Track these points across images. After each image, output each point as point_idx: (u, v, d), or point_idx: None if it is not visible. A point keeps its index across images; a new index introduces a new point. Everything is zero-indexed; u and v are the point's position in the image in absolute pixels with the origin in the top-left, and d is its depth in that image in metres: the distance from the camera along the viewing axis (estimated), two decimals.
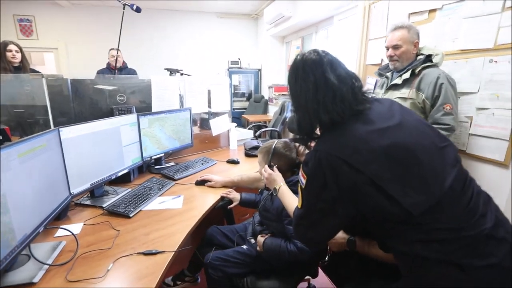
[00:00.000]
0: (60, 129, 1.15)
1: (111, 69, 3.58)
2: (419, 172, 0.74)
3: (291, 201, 1.14)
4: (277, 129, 3.87)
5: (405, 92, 1.72)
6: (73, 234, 1.08)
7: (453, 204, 0.74)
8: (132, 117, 1.63)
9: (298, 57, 0.89)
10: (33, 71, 2.82)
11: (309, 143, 0.91)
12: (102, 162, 1.41)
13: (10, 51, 2.60)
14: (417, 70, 1.70)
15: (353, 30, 3.01)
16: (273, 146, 1.33)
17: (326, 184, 0.77)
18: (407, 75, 1.72)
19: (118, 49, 2.97)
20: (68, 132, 1.19)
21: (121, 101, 1.95)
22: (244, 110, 5.71)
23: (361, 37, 2.68)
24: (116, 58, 2.82)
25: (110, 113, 1.85)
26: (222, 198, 1.56)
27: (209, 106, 2.44)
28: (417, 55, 1.75)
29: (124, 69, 3.67)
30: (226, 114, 2.56)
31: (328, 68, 0.83)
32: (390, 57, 1.80)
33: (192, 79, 2.27)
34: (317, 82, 0.82)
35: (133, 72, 3.68)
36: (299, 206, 0.87)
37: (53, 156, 1.09)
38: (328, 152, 0.77)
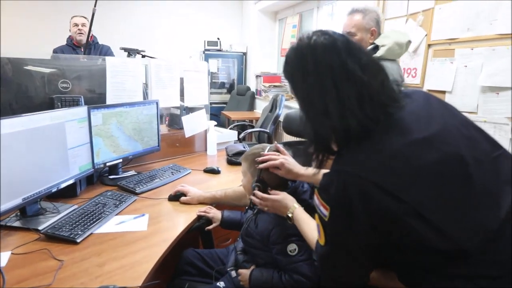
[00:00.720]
0: None
1: (74, 46, 3.30)
2: (469, 193, 0.74)
3: (313, 229, 1.09)
4: (267, 130, 3.89)
5: None
6: None
7: (510, 231, 0.74)
8: (81, 110, 1.59)
9: (303, 41, 0.85)
10: None
11: (325, 160, 0.90)
12: (39, 169, 1.35)
13: None
14: None
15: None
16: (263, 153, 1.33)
17: (355, 215, 0.75)
18: None
19: (84, 17, 2.89)
20: None
21: (64, 89, 1.89)
22: (224, 105, 5.71)
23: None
24: (83, 30, 2.76)
25: (49, 105, 1.79)
26: (199, 217, 1.54)
27: (182, 99, 2.42)
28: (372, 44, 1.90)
29: (93, 46, 3.38)
30: (203, 110, 2.54)
31: (348, 55, 0.80)
32: None
33: (160, 63, 2.24)
34: (336, 77, 0.79)
35: (106, 50, 3.43)
36: (322, 243, 0.85)
37: None
38: (356, 174, 0.75)
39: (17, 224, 1.35)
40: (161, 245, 1.27)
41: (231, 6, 5.96)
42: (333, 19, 3.94)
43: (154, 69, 2.19)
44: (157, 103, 2.08)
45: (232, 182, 1.97)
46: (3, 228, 1.33)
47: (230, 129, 4.28)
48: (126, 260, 1.16)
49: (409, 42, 1.95)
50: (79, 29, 3.13)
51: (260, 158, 1.30)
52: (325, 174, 0.83)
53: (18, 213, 1.40)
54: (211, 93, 5.81)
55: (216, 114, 5.44)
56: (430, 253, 0.75)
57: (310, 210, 1.33)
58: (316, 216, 0.86)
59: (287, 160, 1.29)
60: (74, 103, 1.83)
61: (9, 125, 1.21)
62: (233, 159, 2.30)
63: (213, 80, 5.86)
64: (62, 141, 1.47)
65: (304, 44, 0.85)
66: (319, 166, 0.91)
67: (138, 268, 1.12)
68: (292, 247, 1.19)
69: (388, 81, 0.84)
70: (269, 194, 1.24)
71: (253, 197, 1.27)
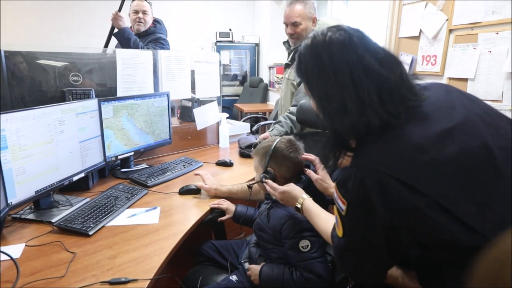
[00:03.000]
0: None
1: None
2: (499, 187, 0.72)
3: (323, 220, 1.09)
4: None
5: (288, 72, 2.19)
6: (11, 258, 1.05)
7: None
8: (92, 103, 1.61)
9: (317, 38, 0.85)
10: None
11: (342, 157, 0.89)
12: (52, 162, 1.38)
13: None
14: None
15: None
16: (273, 146, 1.32)
17: (373, 210, 0.74)
18: (292, 56, 2.17)
19: (147, 1, 2.77)
20: (5, 121, 1.16)
21: (75, 82, 1.91)
22: (237, 98, 5.70)
23: (393, 1, 2.69)
24: (143, 19, 2.66)
25: (60, 98, 1.81)
26: (212, 210, 1.55)
27: (193, 91, 2.42)
28: None
29: (149, 36, 2.83)
30: (215, 102, 2.54)
31: (364, 50, 0.80)
32: (290, 35, 2.13)
33: (170, 55, 2.24)
34: (354, 73, 0.78)
35: (162, 41, 2.84)
36: (340, 235, 0.85)
37: None
38: (373, 168, 0.75)
39: (31, 216, 1.38)
40: (172, 238, 1.28)
41: None
42: (348, 7, 3.87)
43: (164, 61, 2.19)
44: (168, 95, 2.08)
45: (245, 174, 1.97)
46: (18, 220, 1.37)
47: (242, 121, 4.28)
48: (138, 253, 1.18)
49: None
50: (138, 18, 2.77)
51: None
52: (343, 169, 0.83)
53: (32, 206, 1.43)
54: (223, 85, 5.81)
55: (229, 107, 5.44)
56: (453, 249, 0.73)
57: (325, 203, 1.32)
58: (335, 208, 0.86)
59: (323, 177, 1.30)
60: (85, 96, 1.84)
61: (20, 118, 1.23)
62: (245, 152, 2.29)
63: (225, 72, 5.85)
64: (73, 134, 1.49)
65: (319, 41, 0.84)
66: (335, 164, 0.90)
67: (150, 261, 1.14)
68: (305, 243, 1.18)
69: (406, 74, 0.83)
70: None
71: (266, 185, 1.27)
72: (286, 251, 1.24)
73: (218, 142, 2.59)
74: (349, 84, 0.78)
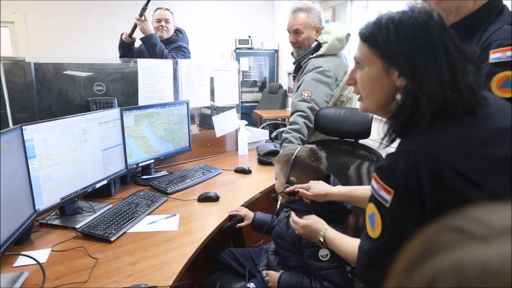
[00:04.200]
0: (23, 127, 1.18)
1: None
2: None
3: (348, 245, 1.02)
4: None
5: (296, 85, 2.18)
6: (38, 263, 1.10)
7: None
8: (114, 112, 1.67)
9: (399, 14, 0.80)
10: None
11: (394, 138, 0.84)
12: (76, 170, 1.44)
13: None
14: (303, 62, 2.09)
15: None
16: (294, 155, 1.34)
17: (421, 200, 0.70)
18: (296, 67, 2.18)
19: (168, 10, 2.82)
20: (33, 131, 1.23)
21: (99, 92, 1.99)
22: (256, 104, 5.73)
23: (414, 2, 2.66)
24: (166, 27, 2.72)
25: (85, 108, 1.89)
26: (231, 217, 1.57)
27: (212, 99, 2.46)
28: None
29: (171, 45, 2.87)
30: (234, 109, 2.57)
31: (446, 33, 0.76)
32: (292, 44, 2.12)
33: (190, 64, 2.29)
34: (435, 48, 0.75)
35: (184, 49, 2.87)
36: (375, 235, 0.78)
37: (14, 162, 1.12)
38: (428, 154, 0.70)
39: (56, 222, 1.44)
40: (191, 246, 1.30)
41: (263, 3, 5.97)
42: (367, 12, 3.83)
43: (184, 69, 2.24)
44: (187, 103, 2.13)
45: (264, 182, 1.99)
46: (45, 226, 1.43)
47: (261, 128, 4.30)
48: (157, 260, 1.21)
49: (349, 34, 2.10)
50: (161, 26, 2.85)
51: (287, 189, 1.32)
52: (388, 155, 0.77)
53: (57, 212, 1.49)
54: (242, 92, 5.87)
55: (248, 113, 5.48)
56: None
57: (345, 212, 1.32)
58: (371, 205, 0.80)
59: (313, 183, 1.29)
60: (108, 105, 1.91)
61: (48, 128, 1.29)
62: (264, 159, 2.30)
63: (245, 79, 5.90)
64: (96, 143, 1.55)
65: (403, 16, 0.79)
66: (388, 140, 0.85)
67: (169, 268, 1.16)
68: (324, 252, 1.18)
69: (476, 72, 0.80)
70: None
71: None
72: (305, 259, 1.24)
73: (237, 149, 2.62)
74: (444, 58, 0.74)
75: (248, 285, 1.41)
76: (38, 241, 1.32)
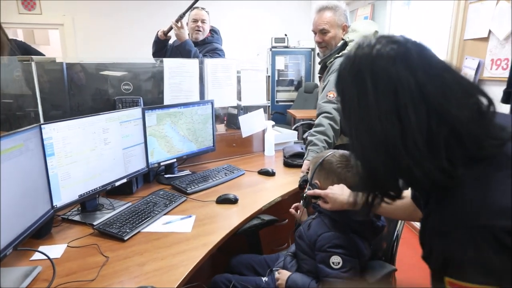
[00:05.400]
0: (42, 126, 1.22)
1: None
2: None
3: None
4: None
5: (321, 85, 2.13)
6: (49, 258, 1.13)
7: None
8: (136, 111, 1.69)
9: (361, 51, 0.69)
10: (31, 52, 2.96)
11: (377, 203, 0.76)
12: (95, 168, 1.47)
13: None
14: (328, 62, 2.03)
15: None
16: (322, 158, 1.30)
17: None
18: (322, 68, 2.13)
19: (204, 9, 2.82)
20: (52, 130, 1.26)
21: (126, 91, 2.03)
22: (291, 104, 5.65)
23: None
24: (201, 27, 2.71)
25: (112, 106, 1.94)
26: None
27: (239, 98, 2.44)
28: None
29: (206, 46, 2.83)
30: (261, 110, 2.53)
31: (425, 73, 0.63)
32: (318, 43, 2.07)
33: (216, 63, 2.28)
34: (403, 108, 0.63)
35: (219, 52, 2.84)
36: None
37: (32, 159, 1.16)
38: (504, 225, 0.57)
39: (77, 218, 1.48)
40: (201, 249, 1.28)
41: (300, 2, 5.86)
42: (409, 9, 3.63)
43: (210, 69, 2.24)
44: (212, 103, 2.12)
45: (287, 185, 1.93)
46: (66, 221, 1.48)
47: (294, 128, 4.22)
48: (166, 262, 1.20)
49: (376, 32, 1.99)
50: (197, 26, 2.80)
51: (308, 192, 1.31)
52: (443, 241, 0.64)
53: (79, 208, 1.54)
54: (277, 91, 5.83)
55: (282, 113, 5.42)
56: None
57: (376, 230, 1.24)
58: None
59: (332, 189, 1.23)
60: (134, 104, 1.95)
61: (67, 127, 1.33)
62: (289, 161, 2.24)
63: (280, 78, 5.84)
64: (117, 141, 1.57)
65: (363, 55, 0.68)
66: (369, 209, 0.78)
67: (175, 271, 1.15)
68: (336, 259, 1.12)
69: (484, 107, 0.65)
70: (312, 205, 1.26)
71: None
72: (317, 263, 1.19)
73: (263, 150, 2.58)
74: (395, 122, 0.63)
75: (262, 278, 1.41)
76: (57, 235, 1.36)
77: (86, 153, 1.41)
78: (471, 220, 0.60)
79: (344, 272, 1.11)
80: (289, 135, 2.73)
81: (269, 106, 5.96)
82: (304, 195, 1.37)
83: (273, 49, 5.59)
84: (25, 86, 1.84)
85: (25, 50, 2.77)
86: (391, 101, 0.63)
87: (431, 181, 0.64)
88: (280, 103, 5.66)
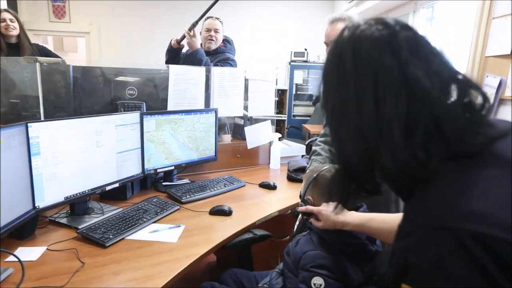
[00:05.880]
0: (29, 124, 1.20)
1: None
2: None
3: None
4: None
5: None
6: (20, 261, 1.09)
7: None
8: (133, 116, 1.66)
9: (346, 33, 0.65)
10: (50, 56, 3.04)
11: (353, 197, 0.70)
12: (85, 171, 1.44)
13: (3, 20, 2.57)
14: None
15: (468, 5, 2.67)
16: (318, 173, 1.21)
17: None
18: None
19: (218, 19, 2.81)
20: (40, 129, 1.24)
21: (130, 96, 2.02)
22: (308, 118, 5.57)
23: (480, 14, 2.35)
24: (214, 37, 2.72)
25: (114, 110, 1.93)
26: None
27: (246, 109, 2.40)
28: None
29: (218, 55, 2.79)
30: (269, 121, 2.47)
31: (411, 55, 0.58)
32: None
33: (223, 71, 2.25)
34: (381, 88, 0.58)
35: (231, 62, 2.78)
36: None
37: (13, 157, 1.14)
38: (472, 229, 0.48)
39: (64, 221, 1.45)
40: (183, 261, 1.22)
41: (320, 16, 5.83)
42: (432, 24, 3.51)
43: (217, 77, 2.21)
44: (216, 111, 2.08)
45: (286, 200, 1.85)
46: (53, 223, 1.45)
47: (307, 143, 4.13)
48: (143, 272, 1.14)
49: None
50: (210, 35, 2.80)
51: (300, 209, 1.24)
52: (400, 243, 0.56)
53: (69, 210, 1.51)
54: (294, 105, 5.75)
55: (298, 127, 5.33)
56: None
57: (363, 252, 1.14)
58: None
59: (326, 207, 1.16)
60: (136, 108, 1.94)
61: (56, 127, 1.31)
62: (293, 175, 2.16)
63: (298, 92, 5.77)
64: (110, 145, 1.54)
65: (347, 36, 0.64)
66: (343, 202, 0.73)
67: (151, 282, 1.09)
68: (318, 281, 1.02)
69: (473, 101, 0.60)
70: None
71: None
72: (298, 283, 1.10)
73: (269, 163, 2.51)
74: (371, 105, 0.58)
75: None
76: (40, 237, 1.33)
77: (76, 154, 1.39)
78: (436, 220, 0.51)
79: None
80: (297, 149, 2.65)
81: (285, 119, 5.97)
82: (295, 212, 1.30)
83: (292, 63, 5.55)
84: (31, 87, 1.85)
85: (45, 54, 2.87)
86: (370, 83, 0.59)
87: (405, 173, 0.57)
88: (296, 118, 5.57)
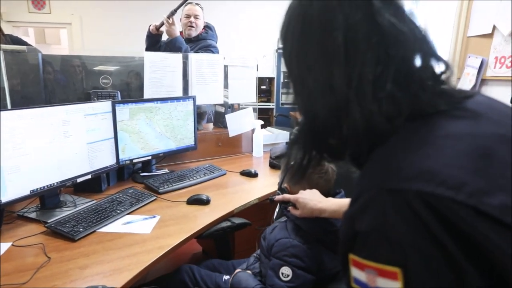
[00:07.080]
0: None
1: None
2: None
3: None
4: None
5: None
6: None
7: None
8: (104, 105, 1.59)
9: None
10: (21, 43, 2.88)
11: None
12: (52, 162, 1.37)
13: None
14: None
15: None
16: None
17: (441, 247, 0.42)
18: None
19: (199, 5, 2.72)
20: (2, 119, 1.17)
21: (105, 85, 1.95)
22: (295, 106, 5.51)
23: None
24: (194, 23, 2.62)
25: (86, 99, 1.86)
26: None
27: (227, 97, 2.33)
28: None
29: (199, 42, 2.71)
30: (250, 108, 2.42)
31: (383, 5, 0.53)
32: None
33: (202, 58, 2.18)
34: (351, 35, 0.52)
35: (212, 49, 2.69)
36: None
37: None
38: (419, 189, 0.43)
39: (33, 215, 1.39)
40: (154, 252, 1.17)
41: None
42: (417, 6, 3.46)
43: (195, 64, 2.13)
44: (194, 99, 2.01)
45: (267, 187, 1.81)
46: (21, 218, 1.39)
47: (295, 130, 4.08)
48: (111, 266, 1.09)
49: None
50: (190, 22, 2.69)
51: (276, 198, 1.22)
52: (355, 204, 0.51)
53: (39, 205, 1.45)
54: (282, 93, 5.69)
55: (287, 115, 5.28)
56: None
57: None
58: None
59: (303, 194, 1.13)
60: (110, 98, 1.86)
61: (17, 117, 1.23)
62: (275, 162, 2.11)
63: (286, 80, 5.70)
64: (80, 135, 1.48)
65: None
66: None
67: (118, 276, 1.04)
68: (286, 271, 0.99)
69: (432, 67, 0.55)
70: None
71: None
72: (268, 269, 1.07)
73: (252, 151, 2.46)
74: (340, 51, 0.52)
75: (224, 276, 1.33)
76: (6, 233, 1.27)
77: (41, 146, 1.32)
78: (385, 182, 0.46)
79: (290, 285, 0.98)
80: (281, 136, 2.60)
81: (273, 108, 5.91)
82: (272, 199, 1.26)
83: (279, 51, 5.47)
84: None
85: (18, 43, 2.75)
86: (338, 30, 0.53)
87: (371, 128, 0.52)
88: (284, 106, 5.52)
